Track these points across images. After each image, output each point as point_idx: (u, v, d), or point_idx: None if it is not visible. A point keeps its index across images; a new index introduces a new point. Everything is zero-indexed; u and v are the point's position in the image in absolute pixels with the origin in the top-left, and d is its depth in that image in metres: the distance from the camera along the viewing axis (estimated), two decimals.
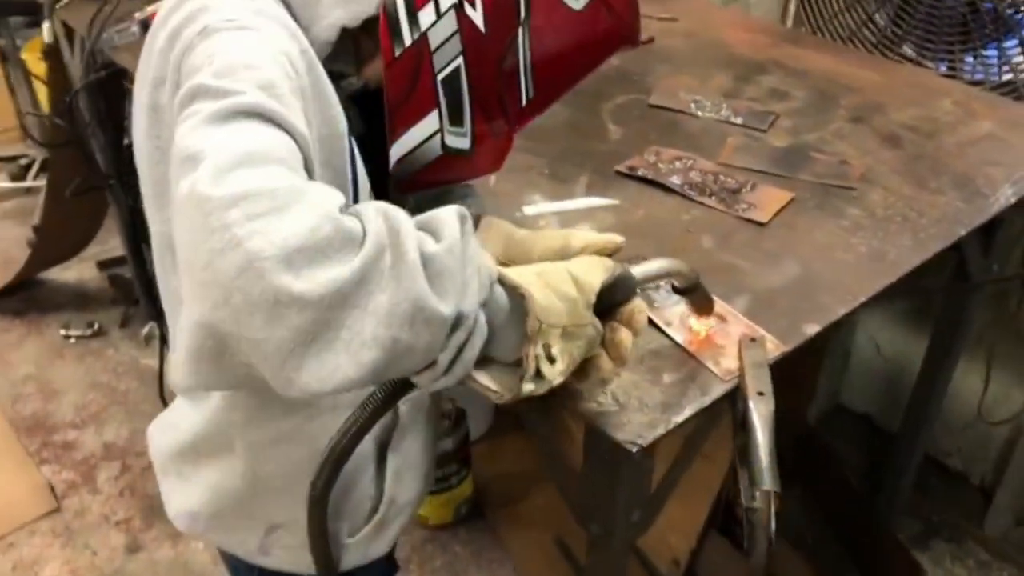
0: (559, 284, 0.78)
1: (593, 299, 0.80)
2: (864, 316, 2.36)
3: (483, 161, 0.93)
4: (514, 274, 0.76)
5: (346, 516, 1.11)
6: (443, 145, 0.86)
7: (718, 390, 1.06)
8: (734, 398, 1.06)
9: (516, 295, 0.75)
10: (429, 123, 0.85)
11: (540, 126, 1.60)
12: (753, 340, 1.11)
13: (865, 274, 1.25)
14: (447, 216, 0.69)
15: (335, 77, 0.83)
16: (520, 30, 0.80)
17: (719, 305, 1.16)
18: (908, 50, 2.02)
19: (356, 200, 0.85)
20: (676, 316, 1.15)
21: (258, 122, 0.65)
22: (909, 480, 2.14)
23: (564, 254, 0.85)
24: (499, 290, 0.75)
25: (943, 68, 1.98)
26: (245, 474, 1.06)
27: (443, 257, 0.66)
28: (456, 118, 0.85)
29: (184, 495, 1.13)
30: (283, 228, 0.58)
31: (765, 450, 0.97)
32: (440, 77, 0.82)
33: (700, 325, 1.14)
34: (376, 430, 0.98)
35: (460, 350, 0.69)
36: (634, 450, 0.99)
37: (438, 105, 0.83)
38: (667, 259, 0.93)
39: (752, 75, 1.78)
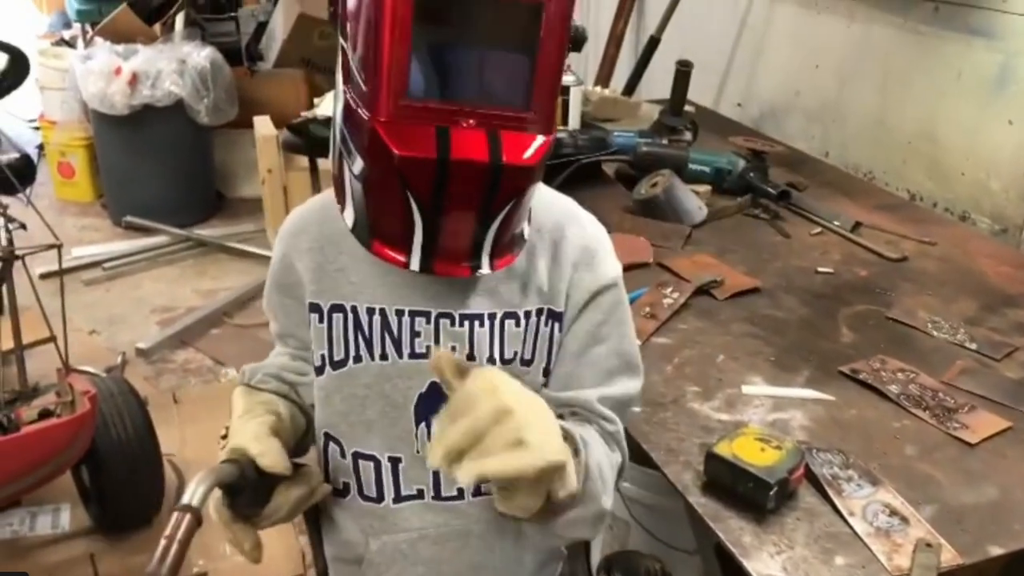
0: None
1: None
2: None
3: None
4: None
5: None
6: None
7: None
8: None
9: None
10: None
11: (777, 318, 1.78)
12: (929, 545, 1.19)
13: None
14: None
15: None
16: None
17: (902, 505, 1.26)
18: None
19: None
20: (859, 507, 1.25)
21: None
22: None
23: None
24: None
25: None
26: None
27: None
28: None
29: None
30: None
31: None
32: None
33: (883, 523, 1.24)
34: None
35: None
36: None
37: None
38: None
39: (999, 306, 1.84)
